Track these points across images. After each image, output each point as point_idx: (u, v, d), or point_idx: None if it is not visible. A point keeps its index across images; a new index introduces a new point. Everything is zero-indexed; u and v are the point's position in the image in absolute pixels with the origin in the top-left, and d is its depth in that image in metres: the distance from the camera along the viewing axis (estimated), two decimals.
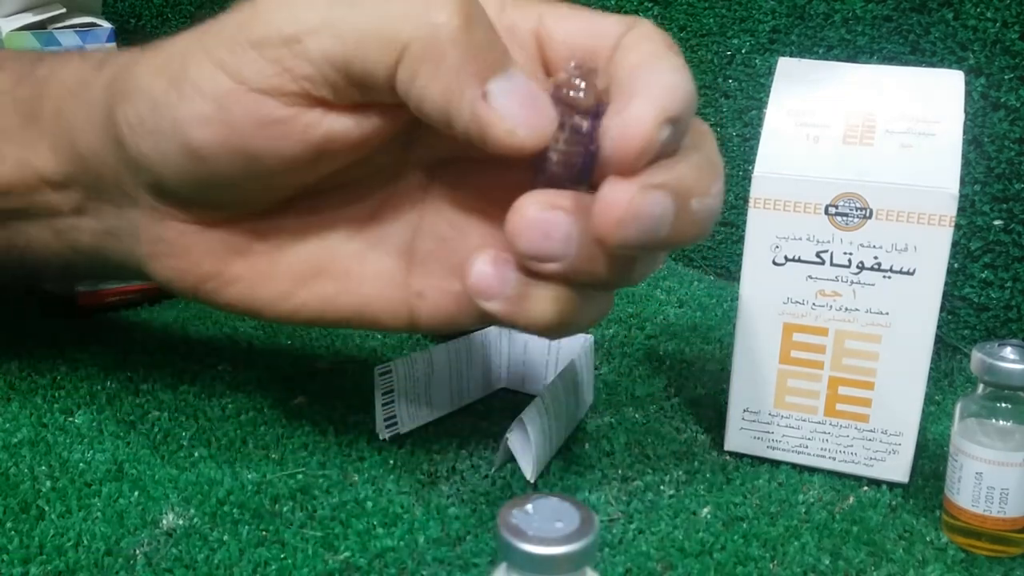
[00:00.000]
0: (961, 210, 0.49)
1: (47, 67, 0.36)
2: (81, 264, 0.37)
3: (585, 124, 0.26)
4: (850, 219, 0.36)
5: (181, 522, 0.34)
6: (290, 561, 0.32)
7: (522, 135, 0.26)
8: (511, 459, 0.38)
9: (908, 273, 0.36)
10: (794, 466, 0.40)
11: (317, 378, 0.46)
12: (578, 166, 0.27)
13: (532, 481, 0.37)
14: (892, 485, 0.38)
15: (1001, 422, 0.34)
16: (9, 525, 0.34)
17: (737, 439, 0.40)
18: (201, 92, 0.29)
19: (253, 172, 0.30)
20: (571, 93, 0.27)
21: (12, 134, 0.35)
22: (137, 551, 0.33)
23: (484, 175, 0.32)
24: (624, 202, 0.25)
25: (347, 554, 0.33)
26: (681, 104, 0.26)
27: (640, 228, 0.26)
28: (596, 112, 0.26)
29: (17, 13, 0.51)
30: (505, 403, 0.44)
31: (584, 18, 0.30)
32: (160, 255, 0.33)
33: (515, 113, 0.26)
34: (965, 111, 0.37)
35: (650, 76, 0.26)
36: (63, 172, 0.35)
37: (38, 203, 0.36)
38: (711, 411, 0.44)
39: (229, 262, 0.33)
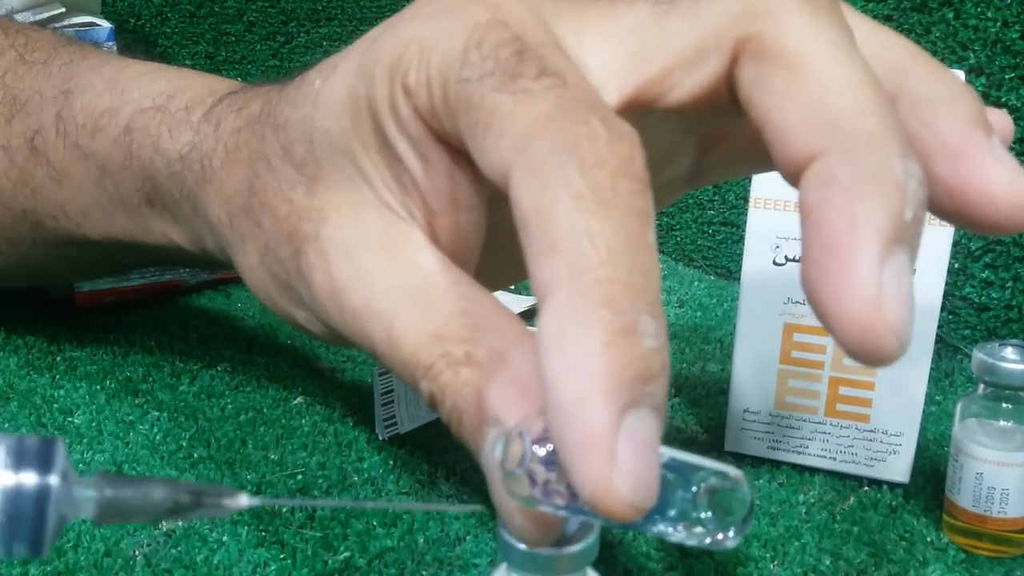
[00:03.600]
0: None
1: (121, 150, 0.34)
2: None
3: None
4: None
5: (180, 523, 0.34)
6: (289, 562, 0.32)
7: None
8: None
9: None
10: (794, 466, 0.40)
11: (317, 378, 0.46)
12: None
13: None
14: (893, 485, 0.38)
15: (1002, 422, 0.34)
16: None
17: (737, 439, 0.40)
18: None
19: None
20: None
21: (131, 211, 0.35)
22: (136, 552, 0.32)
23: None
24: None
25: (346, 554, 0.33)
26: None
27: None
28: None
29: (17, 13, 0.51)
30: None
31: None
32: None
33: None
34: None
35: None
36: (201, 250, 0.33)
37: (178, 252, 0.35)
38: (711, 411, 0.44)
39: None
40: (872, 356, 0.19)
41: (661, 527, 0.21)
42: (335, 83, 0.25)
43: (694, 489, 0.21)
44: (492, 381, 0.22)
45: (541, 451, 0.20)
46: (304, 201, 0.26)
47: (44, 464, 0.19)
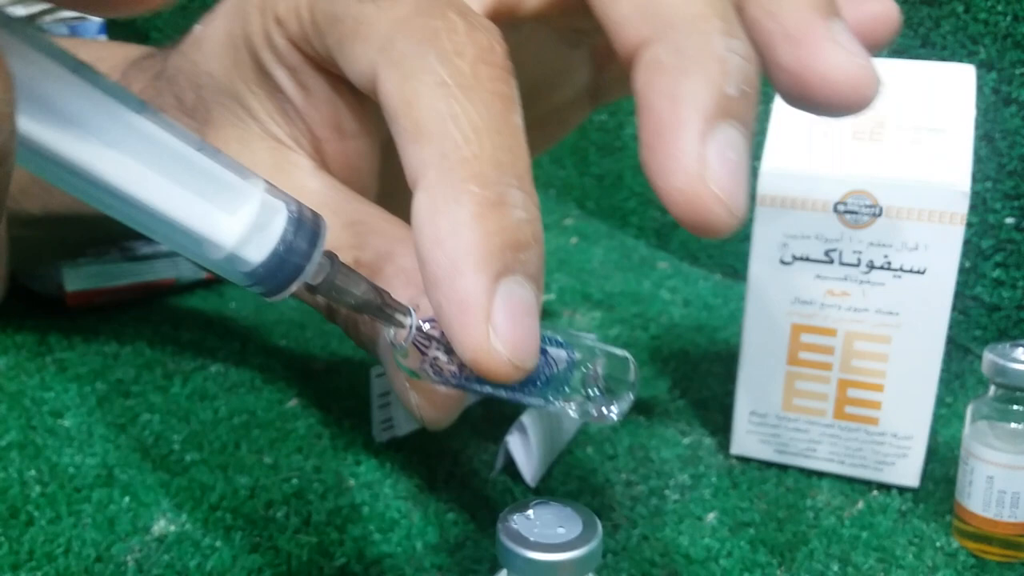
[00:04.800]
0: (972, 208, 0.48)
1: None
2: None
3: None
4: (859, 217, 0.35)
5: (173, 528, 0.34)
6: (284, 568, 0.32)
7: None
8: (511, 463, 0.37)
9: (919, 272, 0.35)
10: (802, 470, 0.39)
11: (312, 380, 0.45)
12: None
13: (533, 486, 0.37)
14: (902, 489, 0.38)
15: (1013, 425, 0.33)
16: None
17: (744, 442, 0.39)
18: None
19: None
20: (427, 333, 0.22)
21: None
22: (128, 558, 0.32)
23: None
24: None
25: (343, 560, 0.32)
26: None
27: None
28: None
29: (7, 6, 0.51)
30: (505, 405, 0.44)
31: None
32: None
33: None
34: (976, 106, 0.37)
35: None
36: None
37: None
38: (717, 414, 0.43)
39: None
40: (703, 227, 0.20)
41: (547, 399, 0.22)
42: (214, 26, 0.26)
43: (584, 369, 0.22)
44: (379, 276, 0.23)
45: (426, 324, 0.21)
46: None
47: (315, 234, 0.20)
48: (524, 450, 0.37)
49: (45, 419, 0.40)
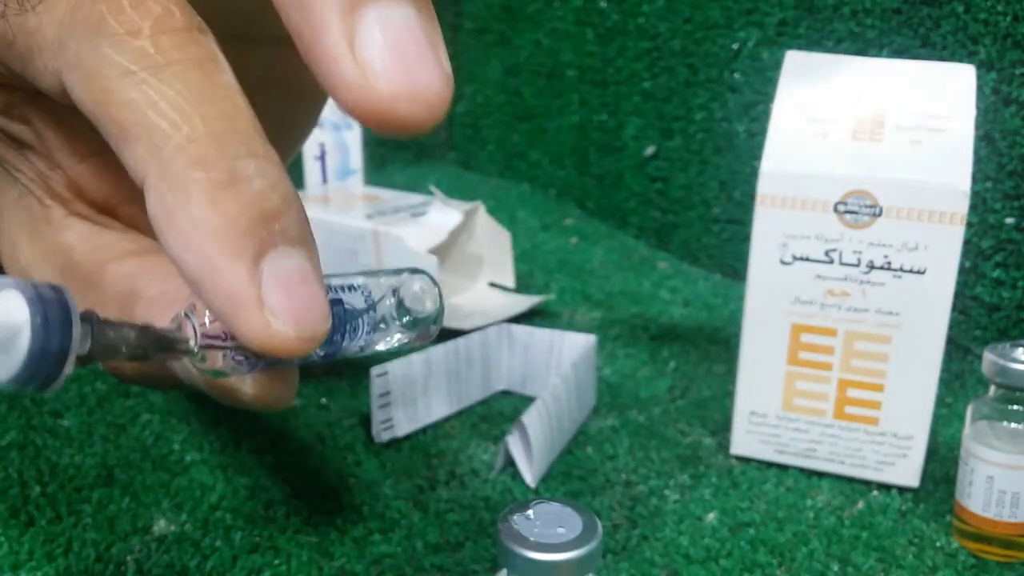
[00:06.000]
0: (972, 208, 0.48)
1: None
2: None
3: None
4: (859, 217, 0.35)
5: (173, 528, 0.34)
6: (284, 568, 0.32)
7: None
8: (511, 463, 0.37)
9: (919, 272, 0.35)
10: (802, 470, 0.39)
11: (312, 380, 0.45)
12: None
13: (533, 486, 0.37)
14: (902, 489, 0.38)
15: (1013, 425, 0.33)
16: None
17: (744, 442, 0.39)
18: None
19: None
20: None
21: None
22: (128, 558, 0.32)
23: None
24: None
25: (343, 560, 0.32)
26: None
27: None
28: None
29: None
30: (505, 405, 0.44)
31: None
32: None
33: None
34: (976, 106, 0.36)
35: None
36: None
37: None
38: (717, 414, 0.43)
39: None
40: (403, 128, 0.18)
41: (359, 346, 0.22)
42: None
43: (388, 300, 0.23)
44: (133, 318, 0.22)
45: (206, 321, 0.21)
46: None
47: (64, 309, 0.18)
48: (524, 450, 0.37)
49: (45, 419, 0.40)
